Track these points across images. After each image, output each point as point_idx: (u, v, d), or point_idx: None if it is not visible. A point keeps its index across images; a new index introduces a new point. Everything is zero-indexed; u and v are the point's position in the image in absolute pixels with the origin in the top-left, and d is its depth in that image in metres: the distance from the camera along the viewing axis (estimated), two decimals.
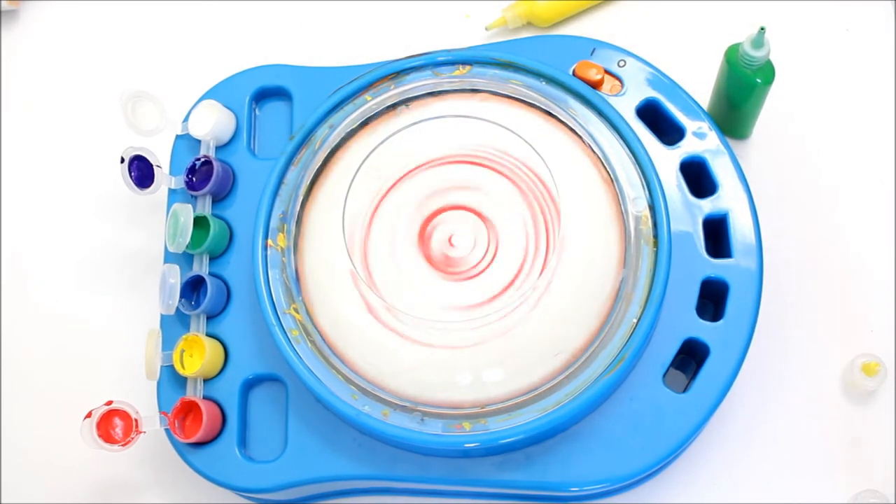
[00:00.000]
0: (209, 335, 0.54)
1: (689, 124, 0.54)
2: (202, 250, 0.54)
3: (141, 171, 0.54)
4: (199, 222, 0.55)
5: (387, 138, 0.52)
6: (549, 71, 0.53)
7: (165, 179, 0.56)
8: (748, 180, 0.53)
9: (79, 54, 0.70)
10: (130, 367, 0.57)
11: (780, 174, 0.59)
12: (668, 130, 0.54)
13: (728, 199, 0.52)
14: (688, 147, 0.53)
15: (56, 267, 0.64)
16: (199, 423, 0.51)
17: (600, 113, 0.52)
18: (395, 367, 0.49)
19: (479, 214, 0.52)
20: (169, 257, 0.56)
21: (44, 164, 0.67)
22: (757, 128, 0.59)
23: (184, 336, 0.53)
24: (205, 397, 0.53)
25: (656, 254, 0.49)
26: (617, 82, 0.55)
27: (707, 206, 0.52)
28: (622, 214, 0.50)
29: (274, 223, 0.53)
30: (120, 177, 0.54)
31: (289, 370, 0.50)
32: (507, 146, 0.52)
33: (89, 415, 0.49)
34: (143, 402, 0.52)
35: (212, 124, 0.56)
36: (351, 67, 0.58)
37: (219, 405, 0.53)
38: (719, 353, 0.50)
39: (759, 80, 0.53)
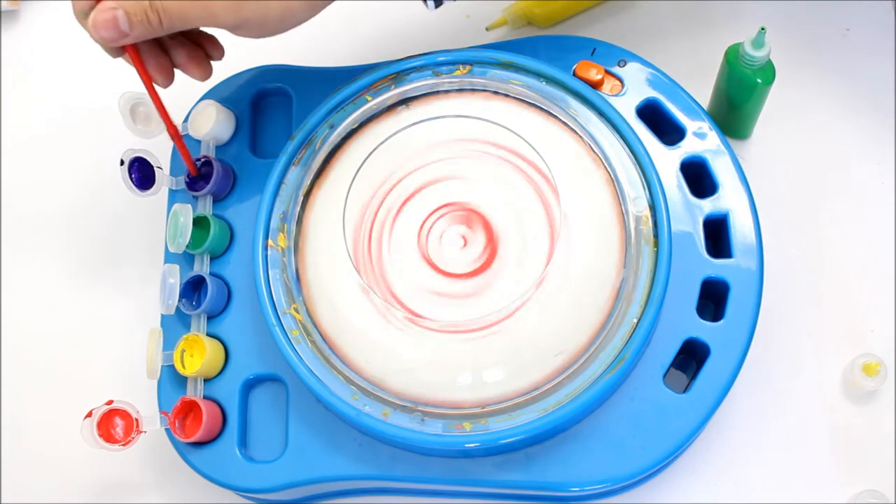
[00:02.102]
0: (210, 335, 0.54)
1: (689, 124, 0.54)
2: (203, 250, 0.54)
3: (141, 173, 0.54)
4: (200, 222, 0.55)
5: (387, 138, 0.52)
6: (550, 71, 0.53)
7: (166, 180, 0.56)
8: (748, 180, 0.53)
9: (79, 54, 0.69)
10: (130, 367, 0.57)
11: (780, 174, 0.59)
12: (668, 130, 0.54)
13: (728, 199, 0.52)
14: (688, 147, 0.54)
15: (56, 267, 0.64)
16: (200, 423, 0.51)
17: (601, 113, 0.52)
18: (396, 367, 0.49)
19: (479, 214, 0.52)
20: (169, 257, 0.56)
21: (44, 165, 0.67)
22: (757, 128, 0.59)
23: (184, 336, 0.53)
24: (205, 397, 0.53)
25: (657, 254, 0.49)
26: (617, 82, 0.55)
27: (707, 206, 0.52)
28: (623, 214, 0.50)
29: (274, 223, 0.53)
30: (120, 177, 0.54)
31: (289, 370, 0.51)
32: (508, 146, 0.52)
33: (90, 414, 0.49)
34: (143, 401, 0.52)
35: (212, 124, 0.56)
36: (351, 67, 0.58)
37: (219, 405, 0.53)
38: (720, 353, 0.50)
39: (759, 80, 0.53)
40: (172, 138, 0.54)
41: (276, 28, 0.50)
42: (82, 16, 0.49)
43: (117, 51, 0.51)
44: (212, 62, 0.54)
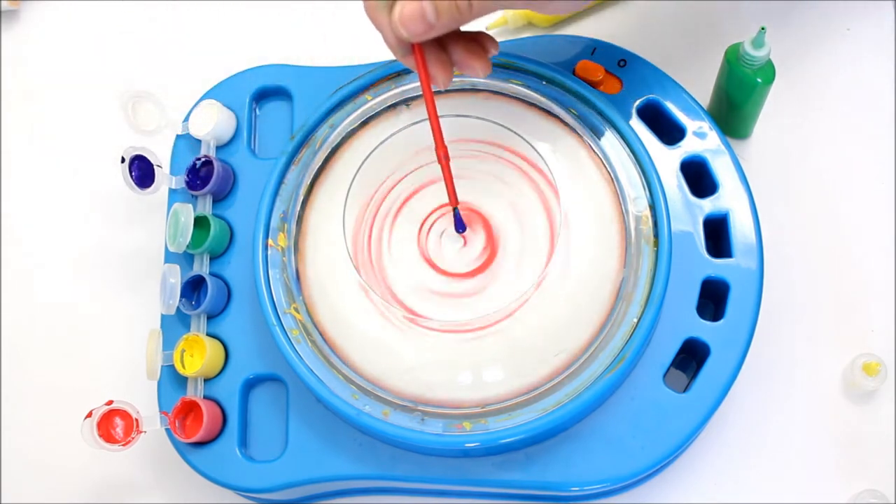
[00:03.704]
0: (210, 335, 0.54)
1: (689, 124, 0.54)
2: (203, 250, 0.54)
3: (141, 171, 0.54)
4: (200, 222, 0.55)
5: (387, 138, 0.52)
6: (550, 71, 0.53)
7: (166, 179, 0.56)
8: (748, 180, 0.53)
9: (79, 54, 0.70)
10: (130, 367, 0.57)
11: (780, 174, 0.59)
12: (668, 130, 0.54)
13: (728, 198, 0.52)
14: (688, 147, 0.54)
15: (56, 267, 0.64)
16: (200, 423, 0.51)
17: (600, 113, 0.52)
18: (396, 367, 0.49)
19: (479, 214, 0.52)
20: (169, 257, 0.56)
21: (44, 164, 0.67)
22: (757, 128, 0.59)
23: (184, 336, 0.53)
24: (205, 397, 0.53)
25: (657, 253, 0.49)
26: (617, 82, 0.55)
27: (707, 205, 0.52)
28: (623, 214, 0.50)
29: (274, 223, 0.53)
30: (120, 176, 0.54)
31: (289, 370, 0.50)
32: (508, 146, 0.52)
33: (90, 414, 0.49)
34: (143, 402, 0.52)
35: (212, 124, 0.56)
36: (351, 67, 0.58)
37: (219, 405, 0.53)
38: (720, 353, 0.50)
39: (759, 80, 0.53)
40: (439, 160, 0.48)
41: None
42: (380, 7, 0.44)
43: (408, 48, 0.46)
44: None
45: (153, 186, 0.55)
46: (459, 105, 0.53)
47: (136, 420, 0.50)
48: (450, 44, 0.47)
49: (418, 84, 0.54)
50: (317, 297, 0.51)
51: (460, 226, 0.51)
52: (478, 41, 0.47)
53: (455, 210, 0.50)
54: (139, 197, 0.56)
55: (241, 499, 0.56)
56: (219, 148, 0.58)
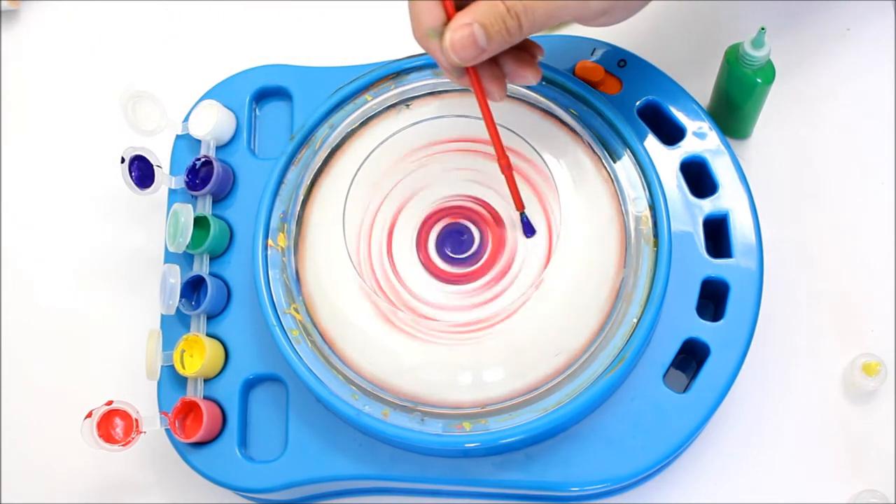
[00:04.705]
0: (209, 335, 0.54)
1: (689, 124, 0.54)
2: (202, 250, 0.54)
3: (141, 171, 0.54)
4: (200, 222, 0.55)
5: (387, 138, 0.52)
6: (550, 71, 0.53)
7: (166, 179, 0.56)
8: (748, 180, 0.53)
9: (79, 54, 0.70)
10: (130, 367, 0.57)
11: (780, 174, 0.59)
12: (668, 130, 0.54)
13: (728, 198, 0.52)
14: (688, 147, 0.53)
15: (56, 267, 0.64)
16: (200, 423, 0.51)
17: (600, 113, 0.52)
18: (396, 367, 0.49)
19: (479, 214, 0.52)
20: (169, 257, 0.56)
21: (44, 165, 0.67)
22: (757, 128, 0.59)
23: (184, 336, 0.53)
24: (205, 397, 0.53)
25: (656, 254, 0.49)
26: (617, 82, 0.55)
27: (707, 205, 0.52)
28: (622, 214, 0.50)
29: (274, 223, 0.53)
30: (120, 177, 0.54)
31: (289, 370, 0.50)
32: (508, 146, 0.52)
33: (90, 415, 0.49)
34: (143, 402, 0.52)
35: (212, 124, 0.56)
36: (351, 67, 0.58)
37: (219, 405, 0.53)
38: (720, 353, 0.50)
39: (759, 80, 0.53)
40: (502, 169, 0.49)
41: (637, 6, 0.46)
42: (430, 36, 0.44)
43: (462, 71, 0.46)
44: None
45: (153, 187, 0.55)
46: (459, 105, 0.53)
47: (136, 420, 0.50)
48: (500, 56, 0.47)
49: (418, 84, 0.54)
50: (317, 297, 0.51)
51: (529, 230, 0.51)
52: (525, 49, 0.48)
53: (522, 215, 0.50)
54: (139, 197, 0.56)
55: (241, 499, 0.56)
56: (219, 148, 0.58)
